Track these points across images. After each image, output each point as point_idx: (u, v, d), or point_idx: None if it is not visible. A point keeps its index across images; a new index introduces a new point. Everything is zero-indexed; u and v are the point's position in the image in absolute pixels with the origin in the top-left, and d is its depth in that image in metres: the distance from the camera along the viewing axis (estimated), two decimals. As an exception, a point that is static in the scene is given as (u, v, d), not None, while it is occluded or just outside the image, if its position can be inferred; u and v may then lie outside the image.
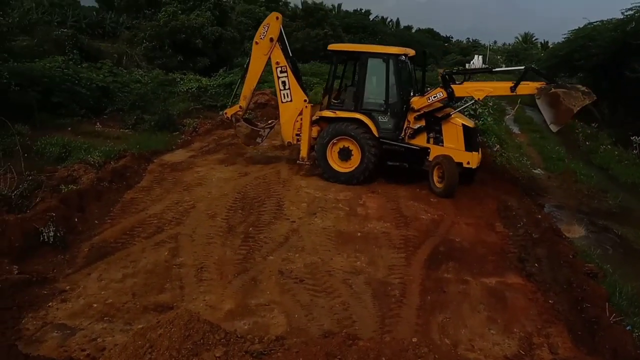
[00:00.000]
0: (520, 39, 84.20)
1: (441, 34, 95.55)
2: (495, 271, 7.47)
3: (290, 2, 53.35)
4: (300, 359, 4.67)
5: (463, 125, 10.86)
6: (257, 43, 11.61)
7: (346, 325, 5.70)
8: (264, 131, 12.42)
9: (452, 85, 10.64)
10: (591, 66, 27.73)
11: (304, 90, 11.84)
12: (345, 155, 10.97)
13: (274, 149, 13.95)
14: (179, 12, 26.74)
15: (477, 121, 16.13)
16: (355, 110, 11.00)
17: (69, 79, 15.80)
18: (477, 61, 62.61)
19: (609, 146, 19.48)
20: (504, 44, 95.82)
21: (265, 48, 11.56)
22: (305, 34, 39.99)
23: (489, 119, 18.08)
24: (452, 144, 10.82)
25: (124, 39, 27.46)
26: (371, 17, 72.51)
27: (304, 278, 6.77)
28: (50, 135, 12.54)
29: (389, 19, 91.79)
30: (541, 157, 17.63)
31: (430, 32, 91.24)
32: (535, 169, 15.52)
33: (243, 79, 12.12)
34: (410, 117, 11.07)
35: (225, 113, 12.52)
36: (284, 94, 11.66)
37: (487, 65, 34.18)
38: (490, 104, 21.73)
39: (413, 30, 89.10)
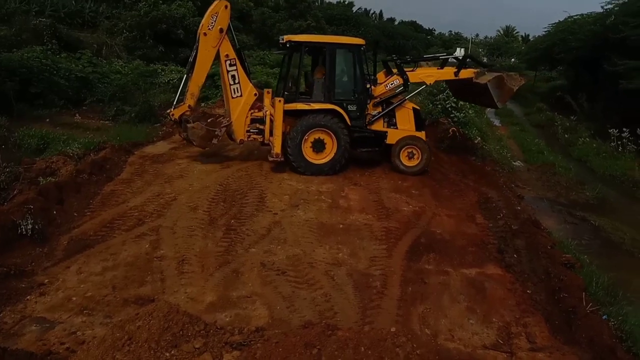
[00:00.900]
0: (501, 32, 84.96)
1: (424, 27, 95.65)
2: (475, 262, 7.57)
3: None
4: (280, 349, 4.70)
5: (413, 108, 11.90)
6: (205, 34, 10.68)
7: (328, 317, 5.73)
8: (220, 131, 11.43)
9: (407, 72, 11.60)
10: (571, 59, 28.13)
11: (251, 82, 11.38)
12: (319, 146, 10.99)
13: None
14: (160, 1, 26.40)
15: (459, 114, 16.31)
16: (329, 101, 11.03)
17: (47, 69, 15.51)
18: (459, 54, 62.82)
19: (588, 139, 19.83)
20: (486, 37, 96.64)
21: (214, 40, 10.72)
22: (288, 25, 39.71)
23: (470, 112, 18.25)
24: (406, 126, 11.75)
25: (103, 28, 26.98)
26: (354, 9, 72.47)
27: (286, 270, 6.78)
28: (28, 127, 12.32)
29: (372, 11, 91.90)
30: (521, 150, 17.87)
31: (413, 24, 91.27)
32: (515, 161, 15.73)
33: (189, 74, 11.00)
34: (370, 104, 11.60)
35: (172, 114, 11.17)
36: (234, 89, 11.02)
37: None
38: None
39: (396, 23, 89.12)
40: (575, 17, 30.53)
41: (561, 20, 32.77)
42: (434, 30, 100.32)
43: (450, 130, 14.75)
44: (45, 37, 20.53)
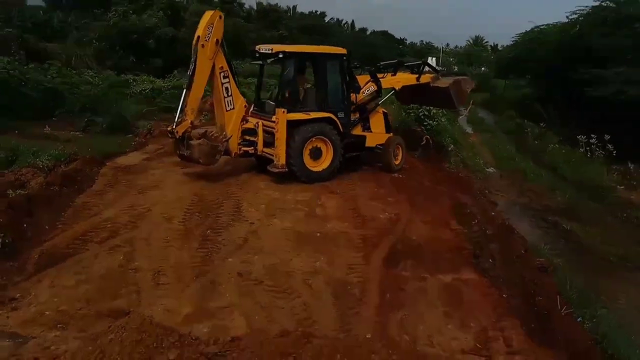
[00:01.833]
0: (471, 42, 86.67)
1: (395, 37, 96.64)
2: (451, 268, 7.60)
3: (244, 3, 52.99)
4: (255, 358, 4.68)
5: (382, 112, 12.71)
6: (203, 46, 10.18)
7: (306, 325, 5.69)
8: (222, 145, 10.85)
9: (380, 80, 12.32)
10: (538, 68, 28.79)
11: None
12: (316, 154, 11.05)
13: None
14: (130, 12, 26.18)
15: (432, 122, 16.53)
16: (325, 110, 11.12)
17: (15, 80, 15.22)
18: (431, 63, 63.83)
19: (557, 145, 20.29)
20: (456, 47, 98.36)
21: (211, 52, 10.27)
22: (260, 36, 39.75)
23: (443, 120, 18.49)
24: (378, 129, 12.48)
25: (73, 39, 26.64)
26: (326, 19, 72.97)
27: (264, 279, 6.71)
28: (-5, 139, 12.01)
29: (344, 21, 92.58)
30: (493, 156, 18.15)
31: (384, 34, 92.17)
32: (488, 168, 15.98)
33: (189, 88, 10.34)
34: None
35: (177, 132, 10.33)
36: (227, 102, 10.72)
37: (442, 68, 35.61)
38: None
39: (368, 32, 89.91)
40: (542, 27, 31.34)
41: (528, 30, 33.63)
42: (406, 39, 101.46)
43: (424, 138, 15.00)
44: (12, 48, 20.15)
